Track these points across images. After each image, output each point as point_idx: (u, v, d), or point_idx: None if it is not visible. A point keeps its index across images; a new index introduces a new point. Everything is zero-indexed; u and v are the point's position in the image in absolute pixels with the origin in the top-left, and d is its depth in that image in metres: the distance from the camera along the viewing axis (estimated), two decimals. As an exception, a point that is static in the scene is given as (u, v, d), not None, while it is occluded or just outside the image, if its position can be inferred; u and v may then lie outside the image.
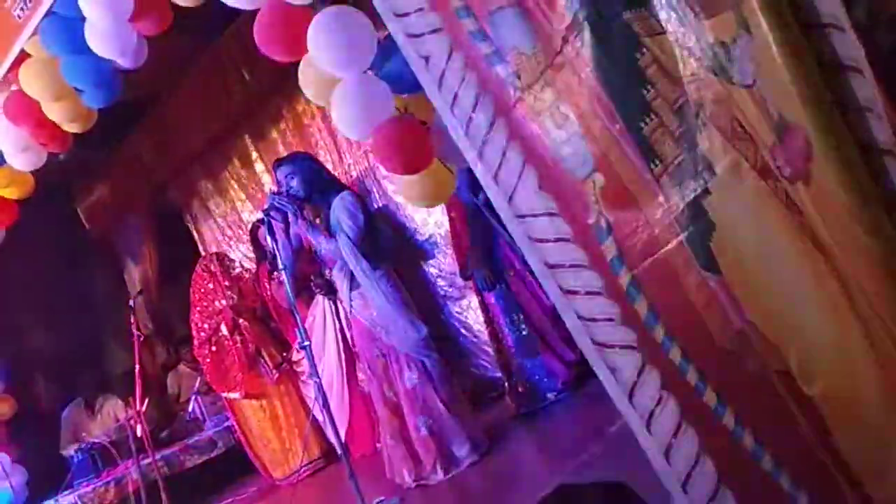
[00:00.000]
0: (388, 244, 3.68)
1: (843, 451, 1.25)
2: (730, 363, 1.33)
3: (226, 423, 4.83)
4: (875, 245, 1.18)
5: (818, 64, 1.19)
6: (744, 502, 1.35)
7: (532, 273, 3.31)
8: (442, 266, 4.25)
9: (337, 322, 3.99)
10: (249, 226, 5.09)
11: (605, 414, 2.64)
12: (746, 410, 1.34)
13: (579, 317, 1.40)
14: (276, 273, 4.52)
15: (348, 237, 3.17)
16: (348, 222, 3.19)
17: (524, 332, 3.48)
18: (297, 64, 2.40)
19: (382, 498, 3.12)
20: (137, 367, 4.18)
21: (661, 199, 1.32)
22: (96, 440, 4.90)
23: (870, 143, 1.18)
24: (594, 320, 1.39)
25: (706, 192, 1.28)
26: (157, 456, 4.39)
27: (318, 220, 3.34)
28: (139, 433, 4.09)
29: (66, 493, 4.69)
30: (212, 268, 4.74)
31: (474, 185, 3.23)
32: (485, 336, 3.93)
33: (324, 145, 4.69)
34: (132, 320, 4.22)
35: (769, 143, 1.23)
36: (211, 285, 4.70)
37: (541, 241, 1.41)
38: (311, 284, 3.76)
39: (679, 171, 1.30)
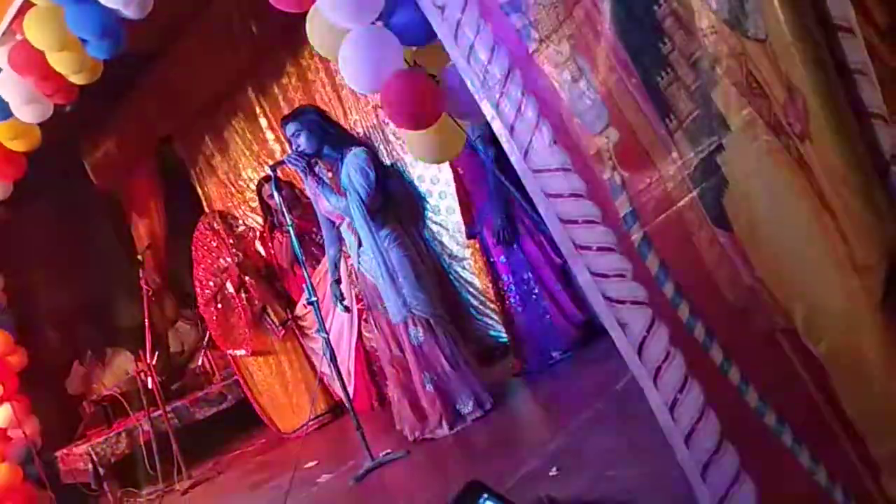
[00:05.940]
0: (398, 202, 3.67)
1: (847, 408, 1.26)
2: (737, 320, 1.33)
3: (235, 377, 4.90)
4: (862, 211, 1.17)
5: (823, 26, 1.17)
6: (746, 457, 1.36)
7: (542, 231, 3.31)
8: (448, 224, 4.24)
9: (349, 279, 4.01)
10: (254, 182, 5.06)
11: (609, 373, 2.67)
12: (752, 367, 1.35)
13: (591, 272, 1.39)
14: (278, 231, 4.54)
15: (359, 196, 3.16)
16: (360, 181, 3.17)
17: (534, 291, 3.48)
18: (304, 15, 2.36)
19: (389, 451, 3.18)
20: (146, 320, 4.24)
21: (675, 154, 1.30)
22: (107, 392, 5.00)
23: (860, 108, 1.17)
24: (606, 276, 1.38)
25: (720, 147, 1.27)
26: (168, 408, 4.48)
27: (330, 175, 3.32)
28: (150, 385, 4.17)
29: (78, 443, 4.80)
30: (215, 225, 4.74)
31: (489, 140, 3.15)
32: (490, 295, 3.93)
33: (327, 101, 4.61)
34: (141, 274, 4.26)
35: (781, 100, 1.22)
36: (214, 243, 4.71)
37: (555, 196, 1.40)
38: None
39: (694, 126, 1.28)
